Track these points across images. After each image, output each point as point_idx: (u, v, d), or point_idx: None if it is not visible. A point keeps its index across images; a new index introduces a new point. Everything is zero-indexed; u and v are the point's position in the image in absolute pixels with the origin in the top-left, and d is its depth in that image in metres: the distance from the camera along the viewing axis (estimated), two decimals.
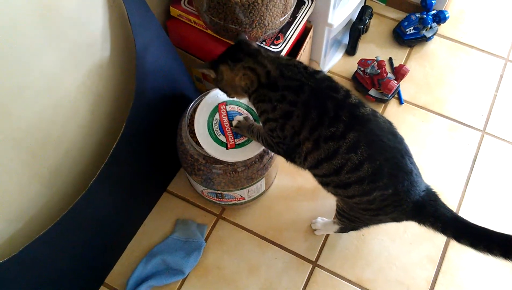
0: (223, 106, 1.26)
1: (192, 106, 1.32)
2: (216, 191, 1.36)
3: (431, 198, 1.12)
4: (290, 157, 1.15)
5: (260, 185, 1.39)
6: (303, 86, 1.04)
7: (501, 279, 1.42)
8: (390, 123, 1.08)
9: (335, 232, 1.44)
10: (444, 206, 1.12)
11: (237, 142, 1.23)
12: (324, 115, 1.02)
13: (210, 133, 1.22)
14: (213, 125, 1.23)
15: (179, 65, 1.43)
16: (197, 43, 1.46)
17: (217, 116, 1.24)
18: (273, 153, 1.33)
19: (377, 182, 1.04)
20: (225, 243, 1.48)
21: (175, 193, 1.57)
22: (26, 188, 1.07)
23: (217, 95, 1.27)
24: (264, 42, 1.39)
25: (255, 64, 1.08)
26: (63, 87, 1.05)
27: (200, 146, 1.23)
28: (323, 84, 1.06)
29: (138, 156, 1.38)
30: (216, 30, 1.35)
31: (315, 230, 1.47)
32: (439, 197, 1.13)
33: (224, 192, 1.36)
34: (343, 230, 1.39)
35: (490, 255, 1.06)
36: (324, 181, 1.14)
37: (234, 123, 1.24)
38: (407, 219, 1.15)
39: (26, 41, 0.91)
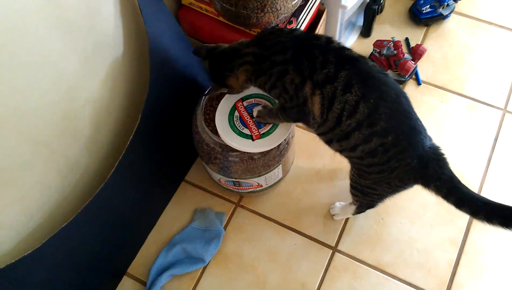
0: (240, 103, 1.28)
1: (206, 94, 1.32)
2: (233, 179, 1.36)
3: (439, 158, 1.11)
4: (305, 120, 1.17)
5: (278, 171, 1.39)
6: (286, 44, 1.11)
7: None
8: (380, 67, 1.10)
9: (353, 214, 1.43)
10: (450, 171, 1.12)
11: (262, 132, 1.24)
12: (314, 60, 1.07)
13: (233, 130, 1.24)
14: (235, 122, 1.25)
15: (192, 54, 1.42)
16: (209, 31, 1.45)
17: (236, 113, 1.26)
18: (289, 138, 1.32)
19: (374, 125, 1.05)
20: (244, 231, 1.49)
21: (192, 182, 1.58)
22: (45, 183, 1.08)
23: (230, 96, 1.29)
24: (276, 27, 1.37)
25: (241, 57, 1.16)
26: (78, 83, 1.05)
27: (216, 134, 1.24)
28: (303, 36, 1.14)
29: (155, 146, 1.38)
30: (227, 17, 1.34)
31: (333, 215, 1.47)
32: (447, 160, 1.12)
33: (241, 180, 1.36)
34: (359, 209, 1.38)
35: (489, 224, 1.08)
36: (329, 138, 1.16)
37: (254, 114, 1.25)
38: (414, 180, 1.14)
39: (40, 42, 0.91)
